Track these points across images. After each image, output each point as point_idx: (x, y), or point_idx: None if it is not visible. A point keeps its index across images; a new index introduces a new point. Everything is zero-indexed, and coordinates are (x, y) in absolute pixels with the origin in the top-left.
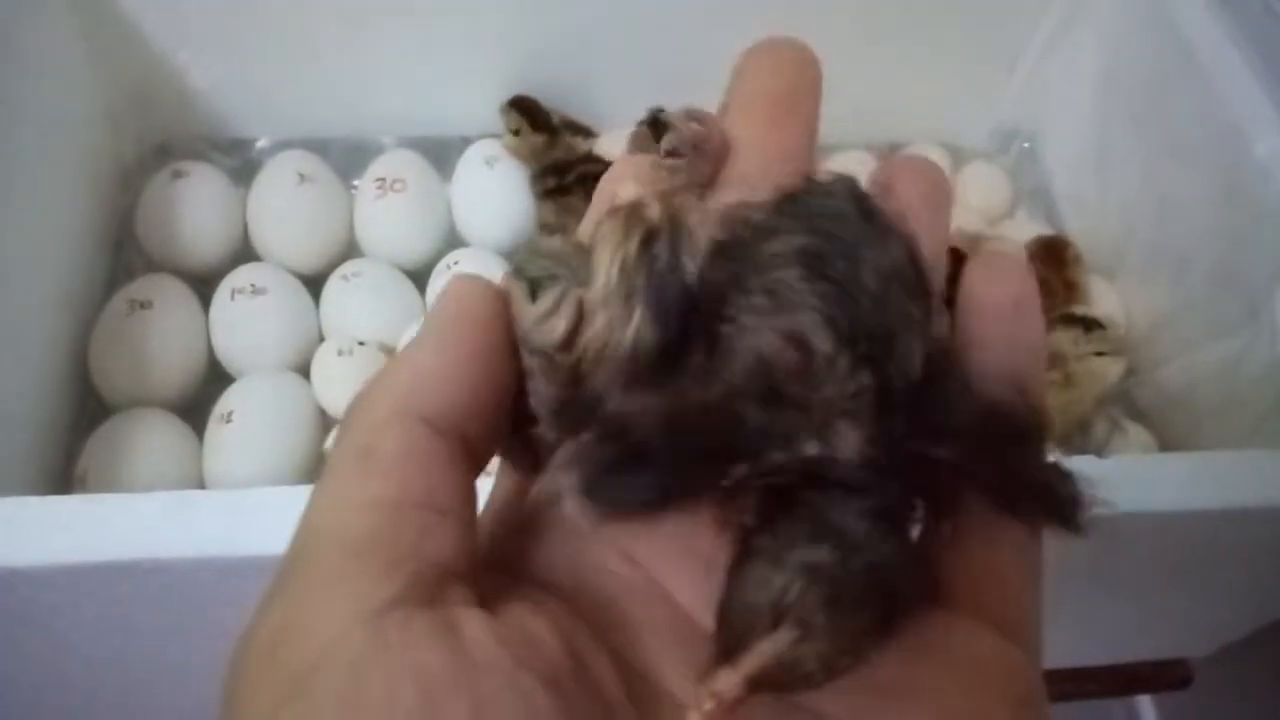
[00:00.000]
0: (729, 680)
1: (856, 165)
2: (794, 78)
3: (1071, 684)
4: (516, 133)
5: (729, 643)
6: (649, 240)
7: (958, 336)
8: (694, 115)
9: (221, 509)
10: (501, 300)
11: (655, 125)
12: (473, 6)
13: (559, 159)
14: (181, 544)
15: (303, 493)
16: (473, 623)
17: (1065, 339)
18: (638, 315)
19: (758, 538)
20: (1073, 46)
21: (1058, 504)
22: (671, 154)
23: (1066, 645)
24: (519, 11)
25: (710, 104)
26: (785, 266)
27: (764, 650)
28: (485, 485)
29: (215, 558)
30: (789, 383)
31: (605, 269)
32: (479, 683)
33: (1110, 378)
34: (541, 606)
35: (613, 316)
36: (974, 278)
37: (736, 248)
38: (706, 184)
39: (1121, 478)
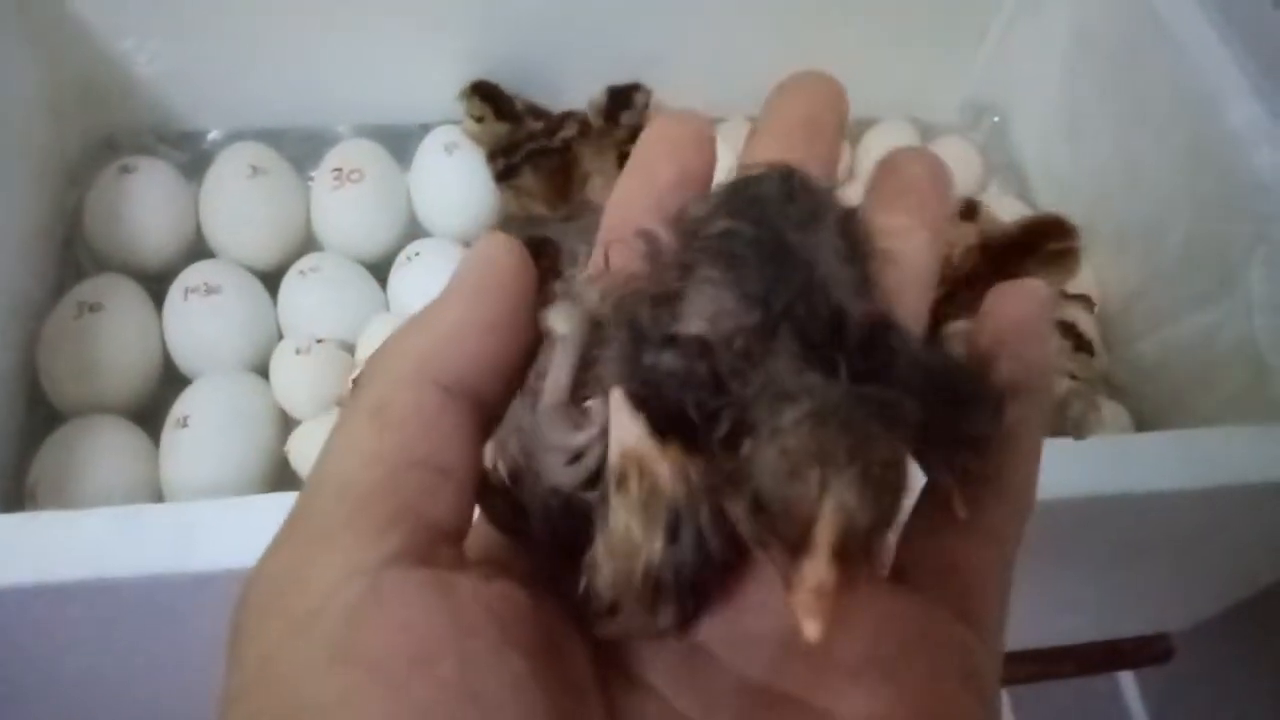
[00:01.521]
0: (817, 568)
1: None
2: (820, 107)
3: (1053, 663)
4: (480, 120)
5: (791, 539)
6: (673, 530)
7: (977, 340)
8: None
9: (171, 523)
10: (528, 264)
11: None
12: None
13: (506, 142)
14: (131, 562)
15: (255, 504)
16: (464, 586)
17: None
18: (658, 598)
19: (740, 449)
20: (1041, 18)
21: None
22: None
23: (1047, 624)
24: None
25: (669, 79)
26: (713, 248)
27: (827, 513)
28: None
29: (168, 574)
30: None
31: (625, 540)
32: (467, 644)
33: (1069, 407)
34: (527, 582)
35: (633, 583)
36: (998, 294)
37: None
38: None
39: (1099, 459)
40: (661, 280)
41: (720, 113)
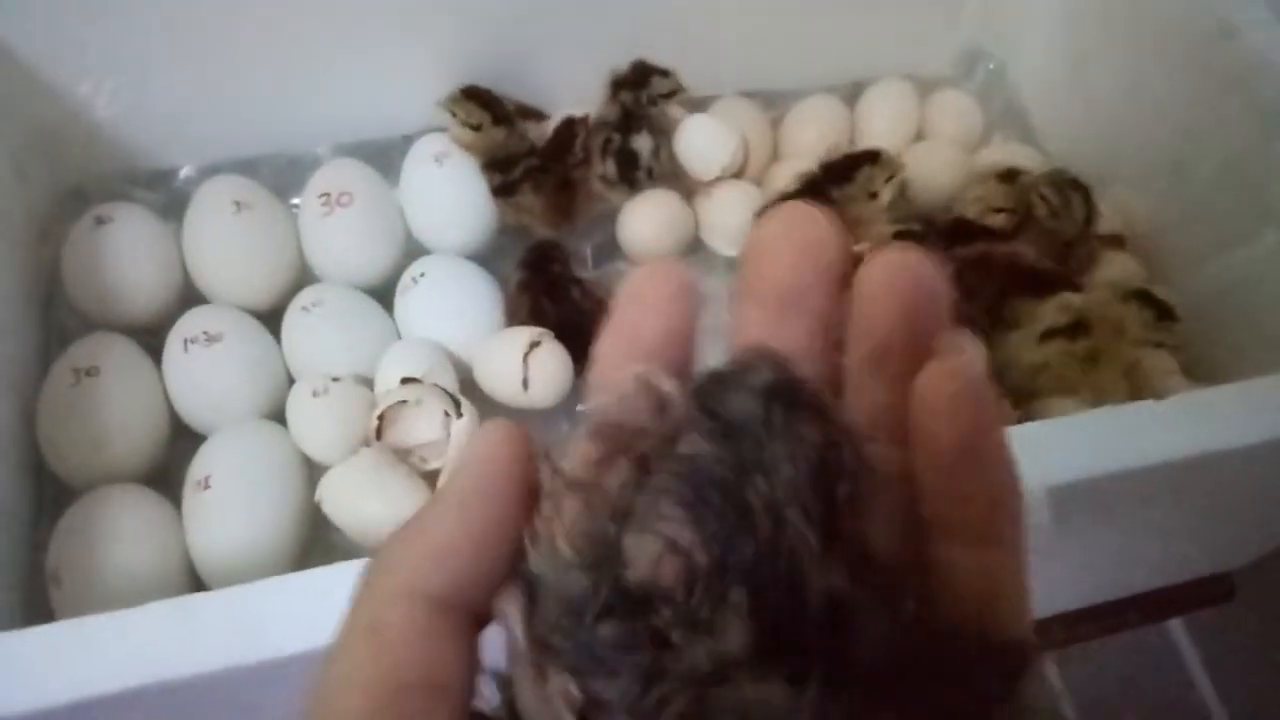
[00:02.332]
0: None
1: (821, 111)
2: (807, 267)
3: (1116, 615)
4: (478, 127)
5: None
6: None
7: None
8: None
9: (229, 612)
10: (527, 453)
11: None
12: None
13: (498, 155)
14: (192, 660)
15: (315, 580)
16: None
17: (1133, 316)
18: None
19: None
20: None
21: None
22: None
23: (1110, 581)
24: None
25: (655, 59)
26: (676, 479)
27: None
28: None
29: (233, 668)
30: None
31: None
32: None
33: (1159, 376)
34: None
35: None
36: (918, 404)
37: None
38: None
39: (1174, 423)
40: (624, 495)
41: (712, 90)
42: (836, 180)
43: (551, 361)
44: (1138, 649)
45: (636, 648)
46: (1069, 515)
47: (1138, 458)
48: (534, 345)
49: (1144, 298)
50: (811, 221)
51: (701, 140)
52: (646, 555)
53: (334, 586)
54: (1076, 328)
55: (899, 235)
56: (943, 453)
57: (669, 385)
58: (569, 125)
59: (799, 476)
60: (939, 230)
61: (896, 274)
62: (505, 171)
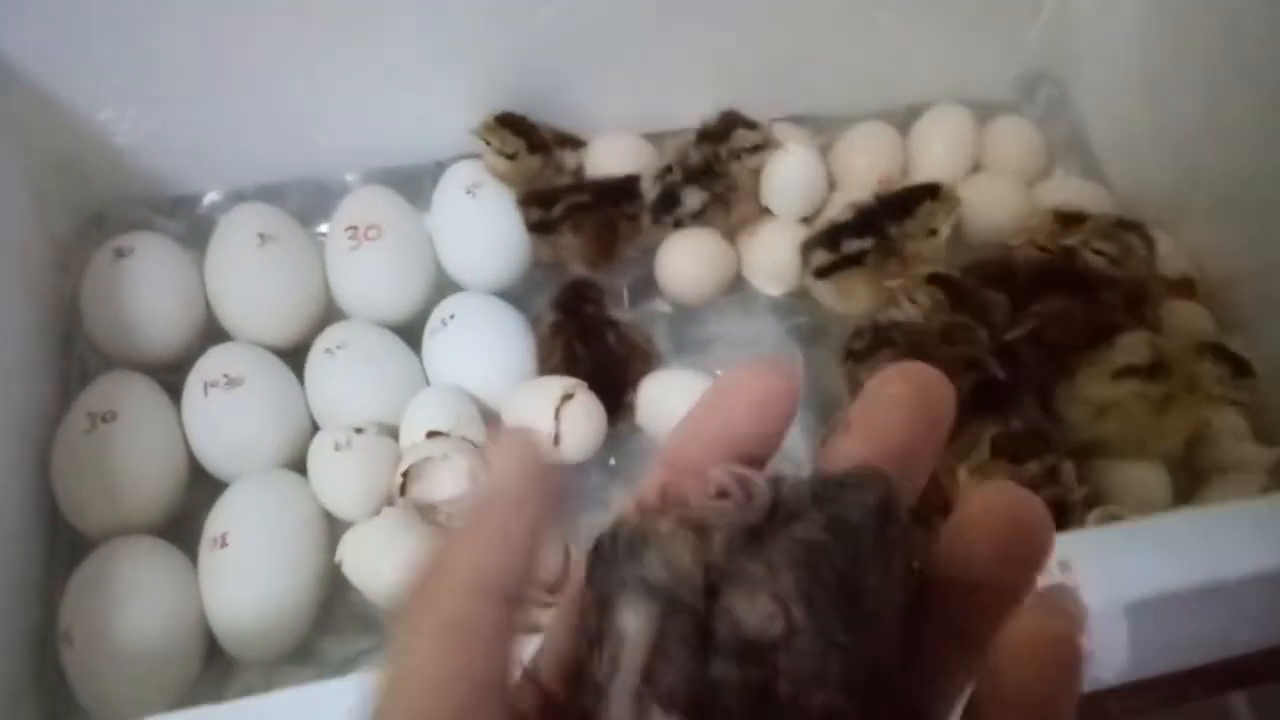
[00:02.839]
0: None
1: (874, 139)
2: (920, 421)
3: (1173, 689)
4: (513, 156)
5: None
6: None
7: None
8: (741, 478)
9: None
10: (549, 461)
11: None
12: (430, 18)
13: (540, 189)
14: None
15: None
16: None
17: (1208, 373)
18: None
19: None
20: None
21: None
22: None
23: (1168, 657)
24: (483, 15)
25: (691, 101)
26: (791, 555)
27: None
28: None
29: None
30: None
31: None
32: None
33: (1228, 442)
34: None
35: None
36: (1008, 653)
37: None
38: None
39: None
40: (730, 554)
41: (757, 116)
42: (895, 215)
43: (583, 416)
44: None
45: (747, 691)
46: (1146, 627)
47: (1231, 567)
48: (566, 398)
49: (1218, 351)
50: (933, 385)
51: (794, 177)
52: (761, 613)
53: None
54: (1155, 369)
55: (932, 279)
56: (1020, 704)
57: (761, 485)
58: (632, 181)
59: (893, 580)
60: (988, 272)
61: (1001, 516)
62: (545, 207)
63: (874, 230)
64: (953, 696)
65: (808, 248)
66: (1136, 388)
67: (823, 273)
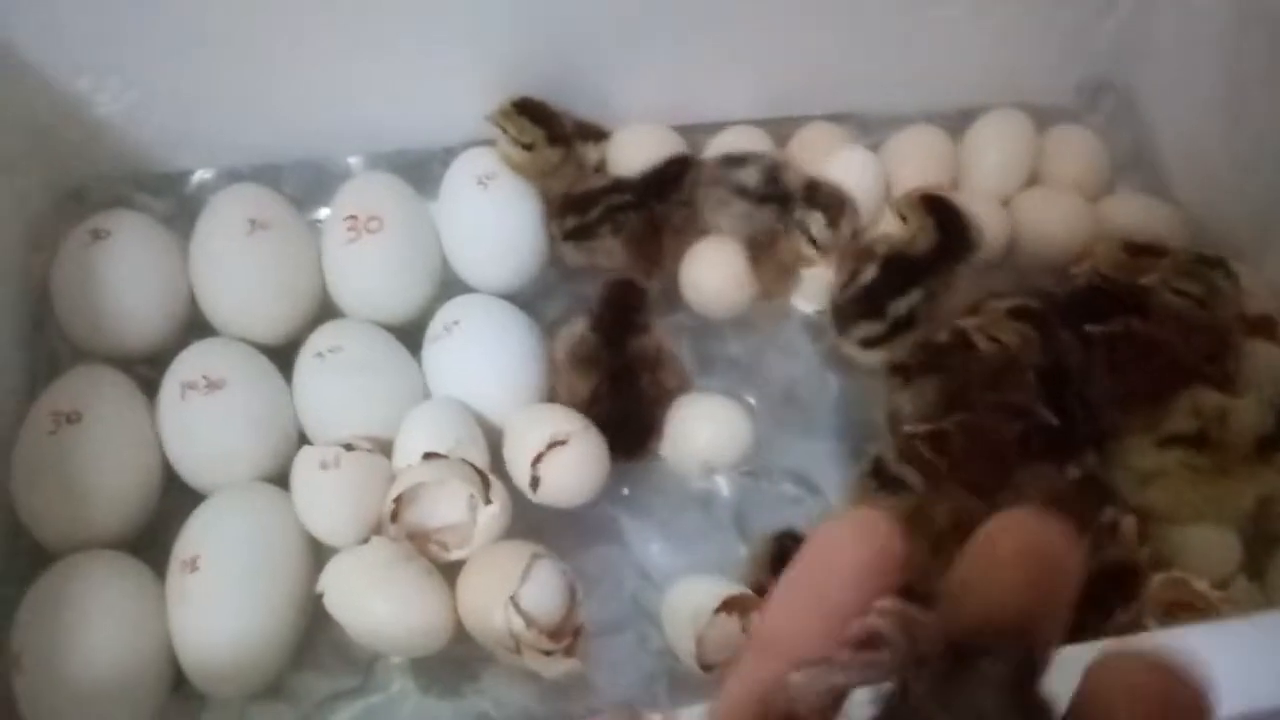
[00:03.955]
0: None
1: (923, 143)
2: (867, 588)
3: None
4: (530, 147)
5: None
6: None
7: None
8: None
9: None
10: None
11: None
12: None
13: (575, 193)
14: None
15: None
16: None
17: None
18: None
19: None
20: None
21: None
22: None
23: None
24: None
25: (724, 92)
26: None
27: None
28: None
29: None
30: None
31: None
32: None
33: None
34: None
35: None
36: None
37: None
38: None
39: None
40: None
41: (795, 113)
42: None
43: (575, 463)
44: None
45: None
46: None
47: None
48: (552, 446)
49: (1272, 444)
50: (877, 535)
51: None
52: None
53: None
54: (1201, 438)
55: (1014, 312)
56: None
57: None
58: (678, 164)
59: None
60: (1060, 302)
61: (1026, 544)
62: (582, 212)
63: (918, 279)
64: None
65: (844, 317)
66: (1183, 457)
67: (871, 343)
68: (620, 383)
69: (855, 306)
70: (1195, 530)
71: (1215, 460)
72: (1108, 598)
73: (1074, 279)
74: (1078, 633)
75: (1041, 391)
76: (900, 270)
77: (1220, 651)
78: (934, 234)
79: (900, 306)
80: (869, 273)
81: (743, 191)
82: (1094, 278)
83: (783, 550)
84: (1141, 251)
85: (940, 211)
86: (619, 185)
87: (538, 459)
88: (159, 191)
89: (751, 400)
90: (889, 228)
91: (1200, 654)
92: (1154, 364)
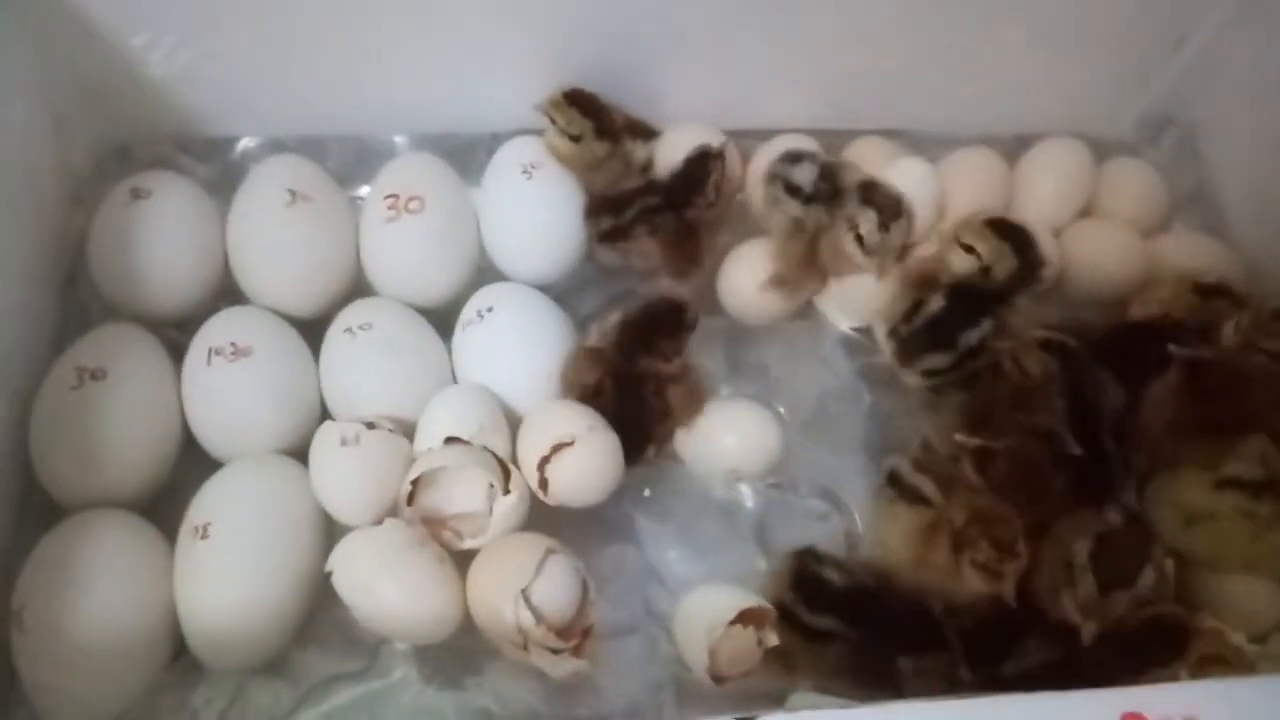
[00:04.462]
0: None
1: (978, 166)
2: None
3: None
4: (577, 138)
5: None
6: None
7: None
8: None
9: None
10: None
11: None
12: None
13: (611, 194)
14: None
15: None
16: None
17: None
18: None
19: None
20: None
21: None
22: None
23: None
24: None
25: (777, 100)
26: None
27: None
28: None
29: None
30: None
31: None
32: None
33: None
34: None
35: None
36: None
37: None
38: None
39: None
40: None
41: (846, 125)
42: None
43: (582, 465)
44: None
45: None
46: None
47: None
48: (557, 449)
49: None
50: None
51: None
52: None
53: None
54: (1265, 486)
55: (1044, 343)
56: None
57: None
58: (703, 160)
59: None
60: (1098, 340)
61: None
62: (617, 213)
63: (988, 309)
64: None
65: (909, 348)
66: (1239, 502)
67: (937, 374)
68: (623, 383)
69: (922, 337)
70: (1236, 579)
71: (1274, 510)
72: (1155, 651)
73: (1133, 315)
74: (1116, 677)
75: (1069, 422)
76: (970, 299)
77: (1251, 711)
78: (1012, 259)
79: (972, 337)
80: (935, 302)
81: (794, 190)
82: (1163, 318)
83: (804, 568)
84: (1212, 293)
85: (1013, 237)
86: (652, 186)
87: (544, 462)
88: (203, 156)
89: (782, 410)
90: (933, 248)
91: (1230, 710)
92: (1233, 398)
